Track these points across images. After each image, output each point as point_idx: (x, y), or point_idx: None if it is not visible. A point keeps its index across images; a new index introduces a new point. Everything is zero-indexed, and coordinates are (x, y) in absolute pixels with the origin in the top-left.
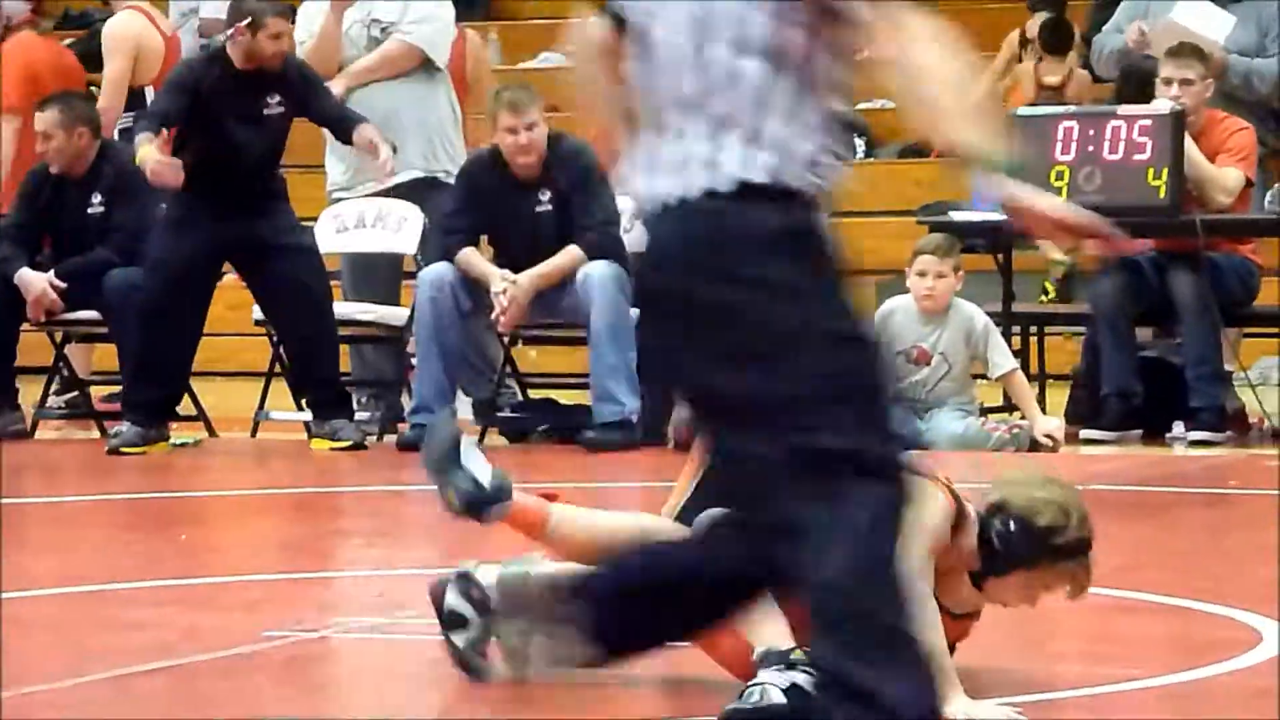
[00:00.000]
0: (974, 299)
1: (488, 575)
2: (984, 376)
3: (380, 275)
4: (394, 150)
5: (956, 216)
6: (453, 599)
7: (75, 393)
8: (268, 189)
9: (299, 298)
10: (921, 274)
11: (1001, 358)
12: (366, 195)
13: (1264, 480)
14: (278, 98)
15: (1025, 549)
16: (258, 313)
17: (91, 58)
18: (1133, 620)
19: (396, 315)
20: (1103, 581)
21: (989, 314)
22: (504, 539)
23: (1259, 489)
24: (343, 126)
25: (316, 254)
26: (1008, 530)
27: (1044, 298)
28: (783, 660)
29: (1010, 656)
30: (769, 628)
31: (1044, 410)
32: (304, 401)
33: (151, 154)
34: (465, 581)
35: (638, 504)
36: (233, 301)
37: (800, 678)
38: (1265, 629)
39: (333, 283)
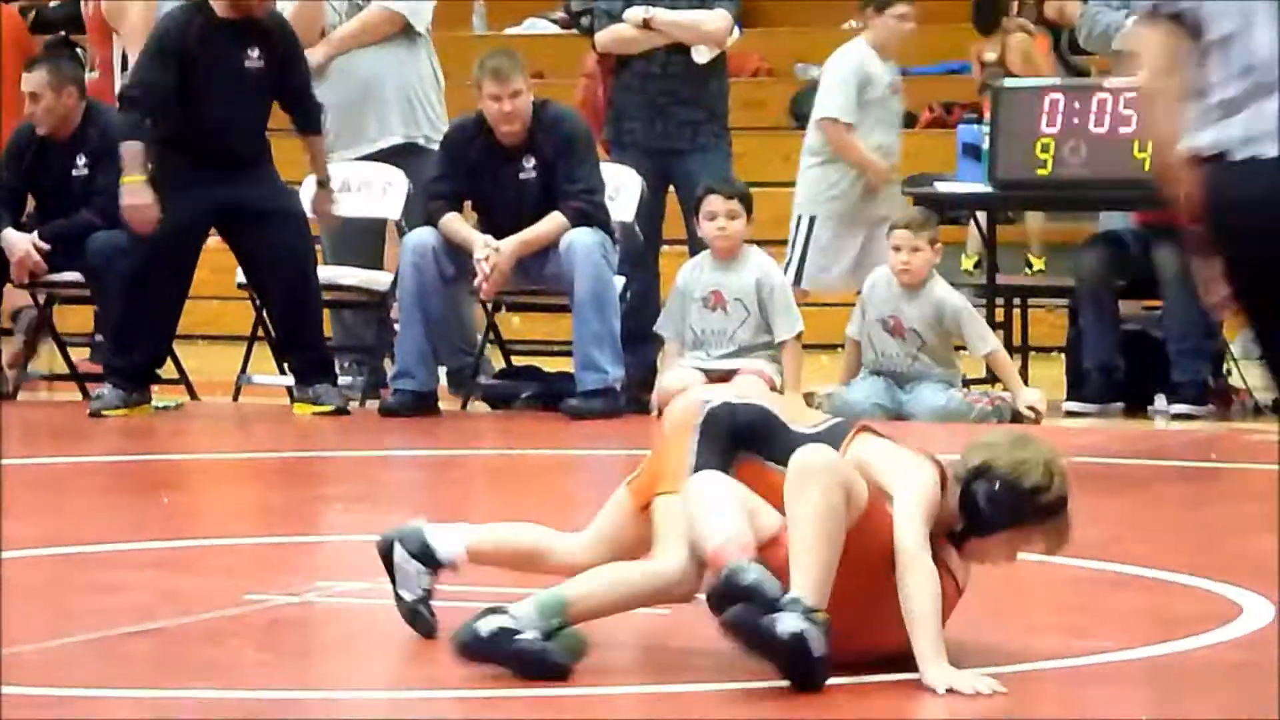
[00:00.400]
0: (955, 270)
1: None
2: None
3: (361, 240)
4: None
5: (941, 188)
6: (400, 556)
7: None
8: (253, 151)
9: (285, 264)
10: (897, 248)
11: (979, 341)
12: (349, 160)
13: (1245, 454)
14: (258, 51)
15: (1012, 510)
16: (241, 276)
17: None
18: (1112, 593)
19: (380, 280)
20: (1082, 554)
21: (972, 285)
22: (486, 505)
23: (1240, 463)
24: (303, 120)
25: (303, 219)
26: (994, 492)
27: (1028, 270)
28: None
29: (988, 628)
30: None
31: (1026, 383)
32: (286, 366)
33: (132, 188)
34: (417, 540)
35: (620, 471)
36: (216, 265)
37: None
38: (1245, 602)
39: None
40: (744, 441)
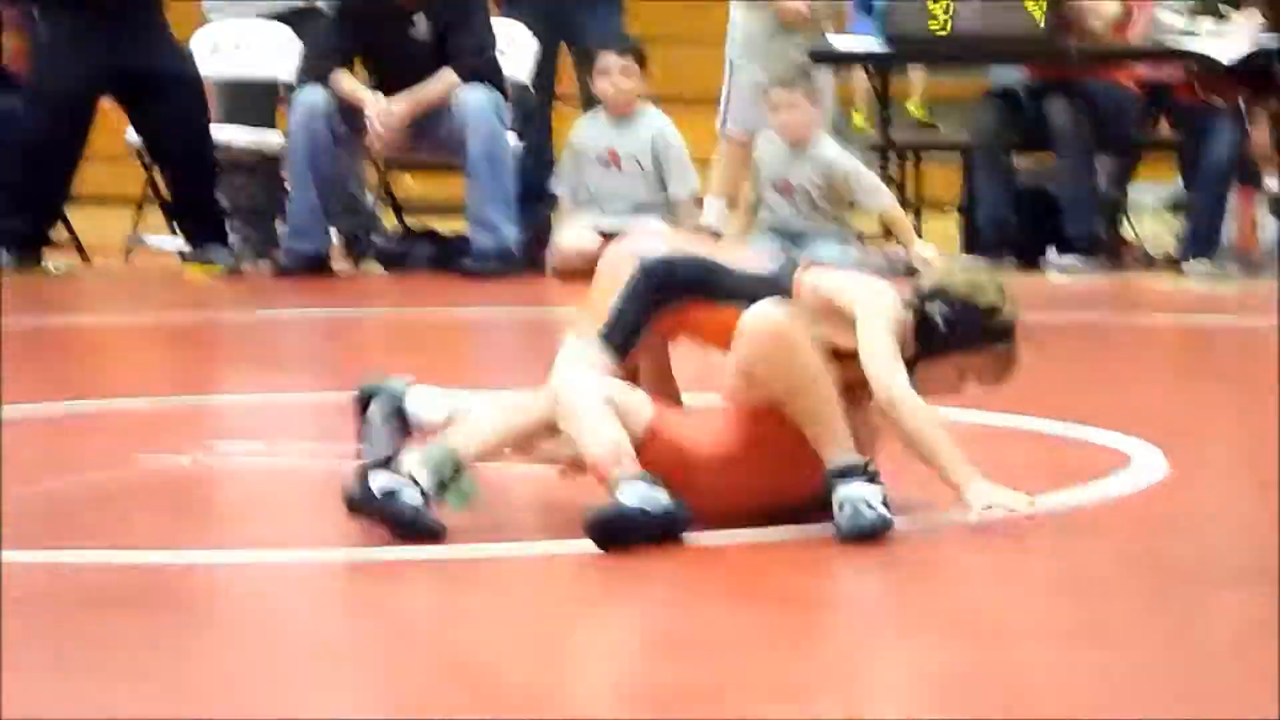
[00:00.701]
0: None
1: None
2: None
3: (255, 101)
4: None
5: (835, 43)
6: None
7: None
8: (144, 6)
9: (182, 131)
10: (775, 108)
11: (870, 198)
12: (245, 18)
13: (1136, 306)
14: None
15: (968, 328)
16: (131, 136)
17: None
18: (1005, 445)
19: (271, 141)
20: (974, 406)
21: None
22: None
23: (1131, 315)
24: None
25: (198, 82)
26: (951, 310)
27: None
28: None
29: (887, 484)
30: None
31: (920, 236)
32: (178, 228)
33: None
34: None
35: (517, 330)
36: (106, 126)
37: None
38: (1133, 451)
39: None
40: (685, 292)
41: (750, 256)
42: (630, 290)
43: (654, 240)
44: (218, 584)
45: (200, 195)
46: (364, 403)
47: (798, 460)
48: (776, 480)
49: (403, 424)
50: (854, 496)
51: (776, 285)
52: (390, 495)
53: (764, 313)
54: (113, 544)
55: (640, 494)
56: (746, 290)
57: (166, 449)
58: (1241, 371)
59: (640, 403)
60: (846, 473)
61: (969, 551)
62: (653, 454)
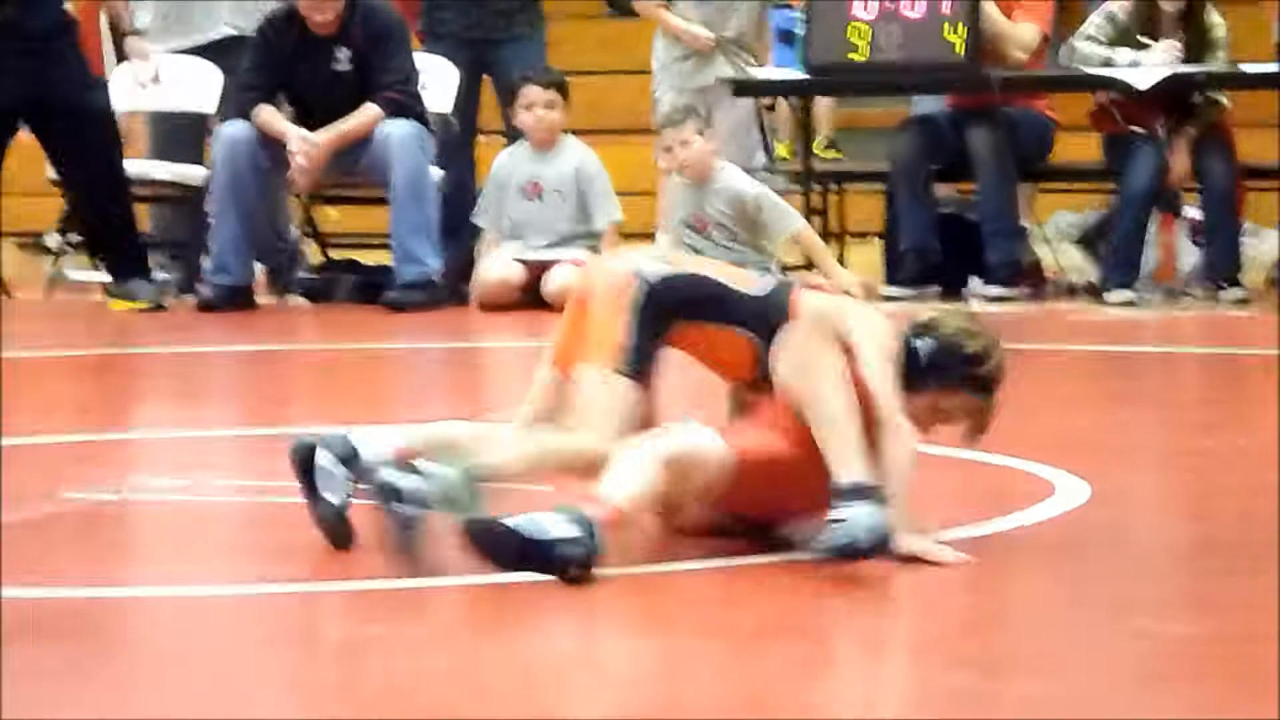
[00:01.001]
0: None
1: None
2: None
3: (183, 135)
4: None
5: (756, 73)
6: (325, 459)
7: None
8: (53, 28)
9: (87, 158)
10: (668, 149)
11: (780, 223)
12: (175, 51)
13: (1058, 334)
14: None
15: (945, 368)
16: (50, 170)
17: None
18: (929, 473)
19: (194, 174)
20: None
21: (789, 171)
22: (307, 399)
23: (1053, 343)
24: None
25: (106, 110)
26: (933, 347)
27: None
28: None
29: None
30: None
31: (843, 265)
32: (101, 261)
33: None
34: (341, 444)
35: (441, 363)
36: (25, 158)
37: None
38: (1057, 480)
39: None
40: (685, 314)
41: (745, 277)
42: (638, 315)
43: (654, 259)
44: (143, 618)
45: (118, 229)
46: (303, 456)
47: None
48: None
49: (356, 468)
50: (848, 516)
51: (773, 306)
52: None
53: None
54: (39, 578)
55: (546, 526)
56: (745, 311)
57: (91, 484)
58: (1163, 398)
59: (711, 438)
60: (850, 492)
61: (893, 571)
62: (750, 475)
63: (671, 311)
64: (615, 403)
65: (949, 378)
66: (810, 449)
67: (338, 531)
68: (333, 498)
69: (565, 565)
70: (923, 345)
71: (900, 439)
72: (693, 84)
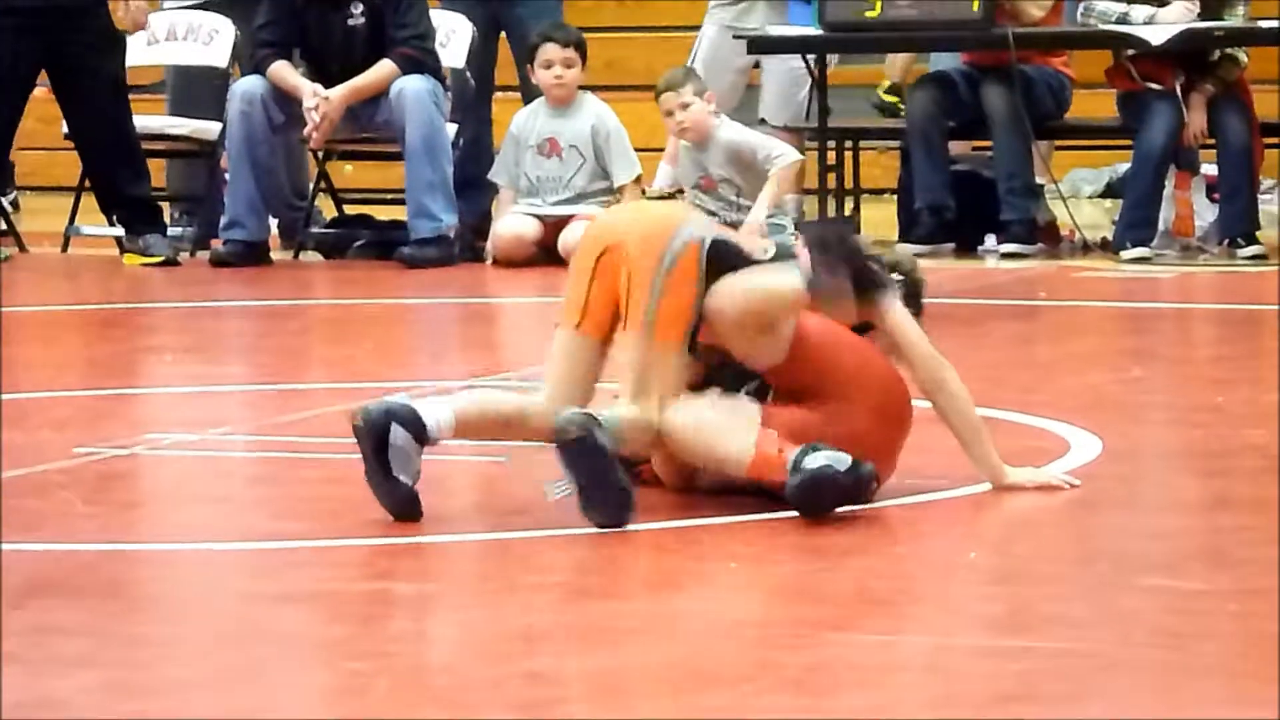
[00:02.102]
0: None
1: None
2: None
3: (203, 90)
4: None
5: (772, 30)
6: (399, 436)
7: None
8: None
9: (96, 117)
10: (669, 113)
11: (779, 162)
12: (185, 7)
13: (1073, 291)
14: None
15: (845, 253)
16: (67, 126)
17: None
18: (944, 431)
19: (209, 130)
20: (913, 393)
21: (804, 128)
22: (322, 354)
23: (1068, 300)
24: None
25: (117, 71)
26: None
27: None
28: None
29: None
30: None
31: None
32: (115, 217)
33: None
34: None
35: (454, 320)
36: (43, 115)
37: None
38: (1072, 437)
39: (152, 97)
40: (724, 273)
41: (755, 242)
42: (703, 286)
43: (697, 220)
44: (158, 573)
45: (128, 185)
46: (377, 433)
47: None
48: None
49: (422, 438)
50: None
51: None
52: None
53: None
54: (53, 535)
55: (823, 457)
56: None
57: (104, 440)
58: (1178, 355)
59: (742, 399)
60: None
61: (904, 528)
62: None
63: (715, 275)
64: (681, 378)
65: (915, 307)
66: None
67: (410, 513)
68: (405, 479)
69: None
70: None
71: (958, 381)
72: (739, 24)
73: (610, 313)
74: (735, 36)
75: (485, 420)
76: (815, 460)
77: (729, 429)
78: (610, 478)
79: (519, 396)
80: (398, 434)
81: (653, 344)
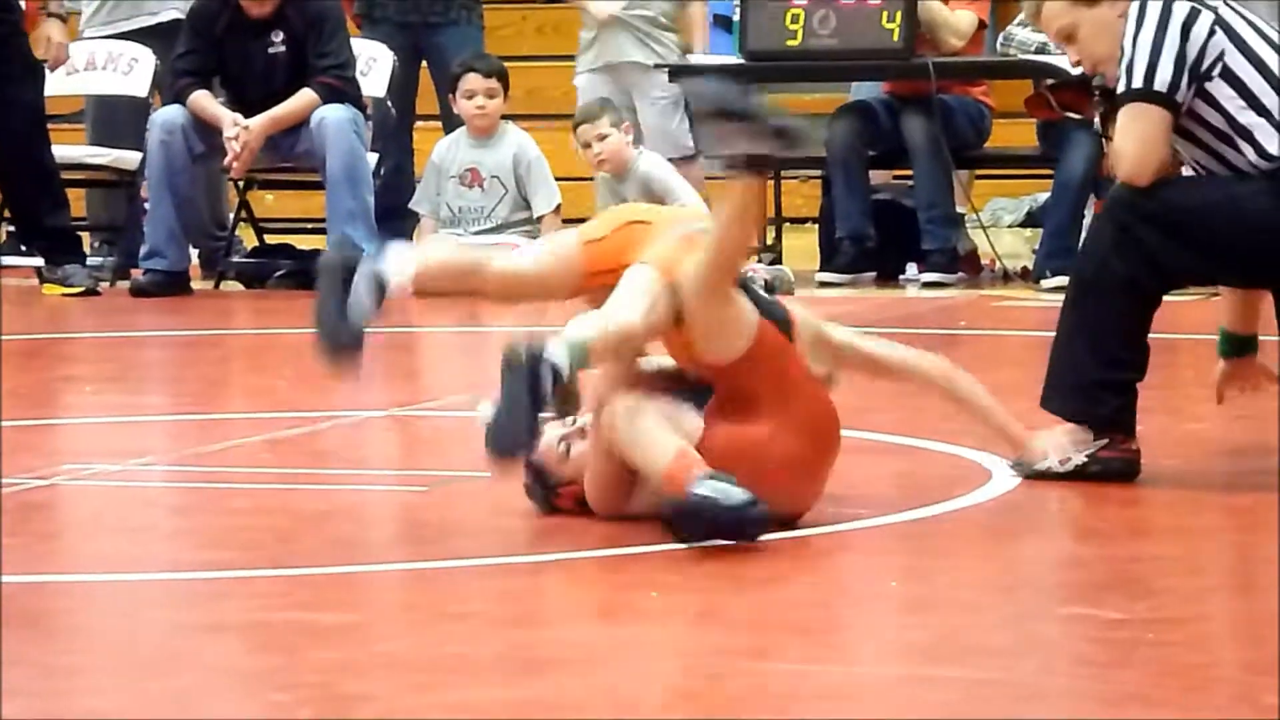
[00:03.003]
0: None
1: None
2: None
3: (125, 119)
4: None
5: (692, 60)
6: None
7: None
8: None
9: (13, 146)
10: (586, 145)
11: (687, 201)
12: (105, 36)
13: (993, 320)
14: None
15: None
16: None
17: None
18: (865, 460)
19: (129, 159)
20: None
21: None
22: (242, 383)
23: (989, 329)
24: None
25: (34, 101)
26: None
27: None
28: None
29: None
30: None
31: (781, 258)
32: (34, 247)
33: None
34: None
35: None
36: None
37: None
38: (993, 466)
39: (71, 126)
40: None
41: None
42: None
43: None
44: (78, 604)
45: (45, 215)
46: (344, 269)
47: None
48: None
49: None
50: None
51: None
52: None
53: None
54: None
55: (712, 487)
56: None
57: (23, 471)
58: None
59: (689, 416)
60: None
61: (826, 557)
62: (716, 451)
63: None
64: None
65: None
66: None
67: (349, 359)
68: (355, 324)
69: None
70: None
71: (963, 378)
72: (600, 62)
73: (614, 266)
74: (656, 67)
75: (447, 272)
76: (703, 487)
77: (660, 433)
78: (522, 405)
79: (479, 251)
80: (361, 279)
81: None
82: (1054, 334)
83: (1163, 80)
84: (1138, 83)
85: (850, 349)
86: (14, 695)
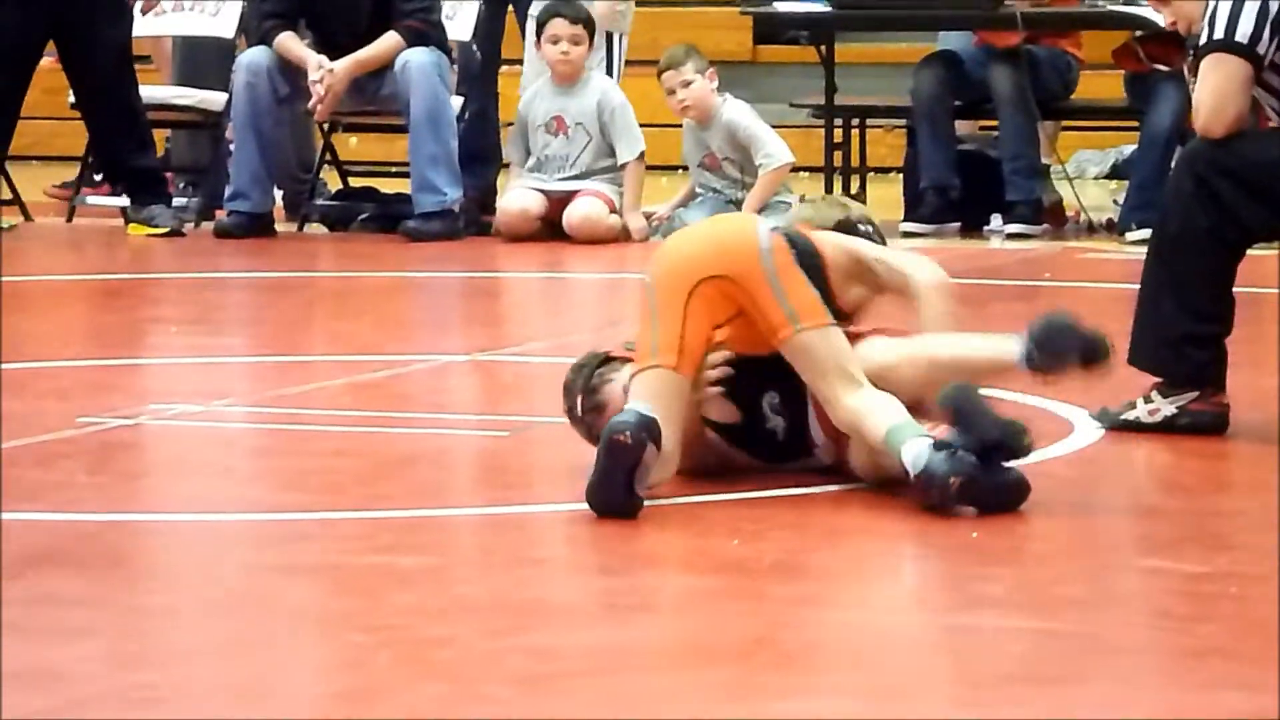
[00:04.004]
0: (798, 92)
1: None
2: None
3: (211, 60)
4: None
5: (780, 8)
6: None
7: None
8: None
9: (101, 88)
10: (671, 91)
11: (769, 161)
12: None
13: (1077, 273)
14: None
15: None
16: (73, 96)
17: None
18: None
19: (215, 101)
20: None
21: (810, 106)
22: (324, 328)
23: (1073, 281)
24: None
25: (122, 42)
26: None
27: None
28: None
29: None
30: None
31: (865, 201)
32: (120, 188)
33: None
34: None
35: (458, 292)
36: (48, 85)
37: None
38: (1076, 419)
39: (150, 67)
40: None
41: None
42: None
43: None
44: (160, 543)
45: (131, 156)
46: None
47: None
48: None
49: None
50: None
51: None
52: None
53: None
54: (55, 505)
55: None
56: None
57: (107, 410)
58: None
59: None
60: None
61: (907, 505)
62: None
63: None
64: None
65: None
66: None
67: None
68: (638, 499)
69: None
70: (865, 231)
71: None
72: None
73: (704, 348)
74: (742, 13)
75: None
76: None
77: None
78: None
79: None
80: (651, 453)
81: (815, 333)
82: (1138, 288)
83: (1244, 32)
84: (1219, 34)
85: (880, 265)
86: (99, 633)
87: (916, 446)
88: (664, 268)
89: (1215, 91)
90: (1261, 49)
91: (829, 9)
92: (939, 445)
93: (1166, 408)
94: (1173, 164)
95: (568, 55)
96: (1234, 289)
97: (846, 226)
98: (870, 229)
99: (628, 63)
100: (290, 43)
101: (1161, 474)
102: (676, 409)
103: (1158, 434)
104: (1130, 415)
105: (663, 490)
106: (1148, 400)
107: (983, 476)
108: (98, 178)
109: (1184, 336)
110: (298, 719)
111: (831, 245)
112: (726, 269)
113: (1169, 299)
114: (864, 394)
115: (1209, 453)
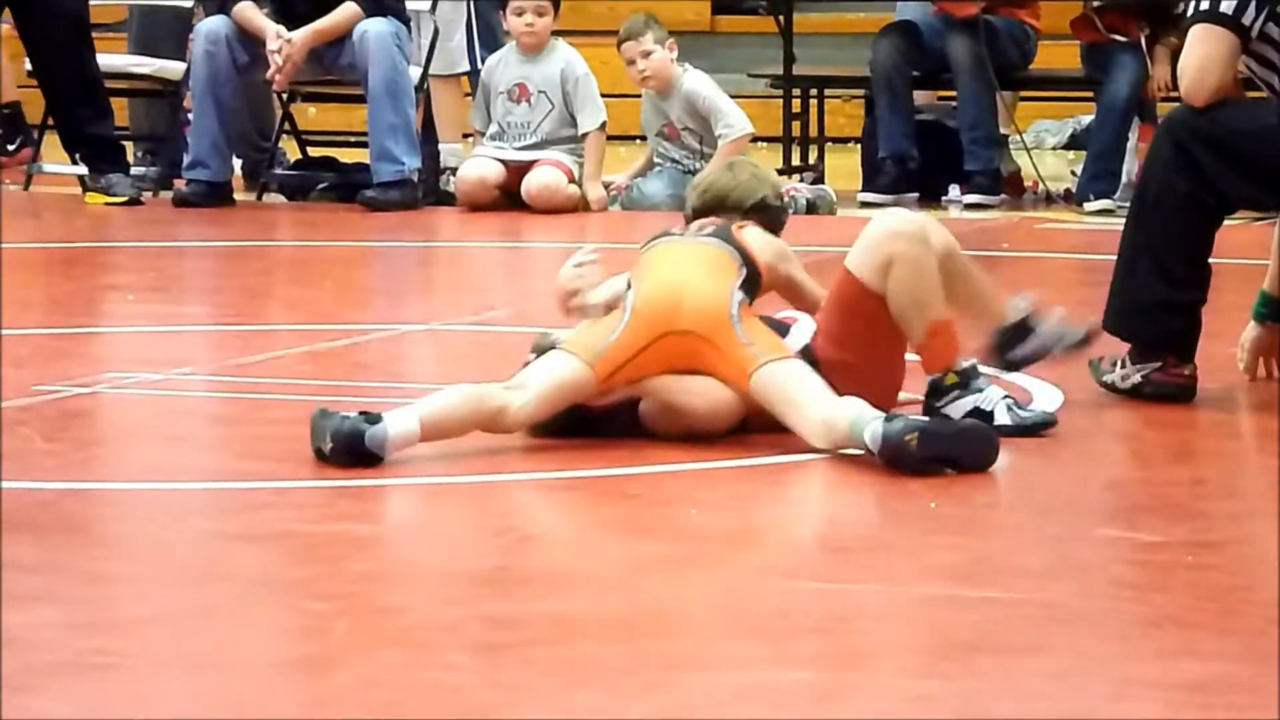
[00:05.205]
0: (756, 62)
1: None
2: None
3: (169, 29)
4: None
5: None
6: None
7: None
8: None
9: (57, 55)
10: (630, 61)
11: (729, 131)
12: None
13: (1035, 243)
14: None
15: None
16: (30, 64)
17: None
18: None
19: (173, 69)
20: None
21: (769, 76)
22: (283, 295)
23: (1031, 251)
24: None
25: (77, 9)
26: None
27: None
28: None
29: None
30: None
31: (824, 178)
32: (78, 155)
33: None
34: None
35: (416, 261)
36: (7, 52)
37: None
38: (1033, 388)
39: (115, 35)
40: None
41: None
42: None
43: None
44: (118, 512)
45: (89, 123)
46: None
47: None
48: None
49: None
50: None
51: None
52: None
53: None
54: (12, 473)
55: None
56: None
57: (64, 378)
58: None
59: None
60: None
61: (873, 471)
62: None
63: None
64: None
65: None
66: None
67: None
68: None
69: None
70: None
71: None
72: None
73: (637, 378)
74: None
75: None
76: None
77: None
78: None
79: (500, 393)
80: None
81: (778, 364)
82: (1116, 254)
83: (1230, 3)
84: (1205, 3)
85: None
86: (55, 600)
87: (872, 427)
88: (646, 305)
89: (1199, 60)
90: (1247, 20)
91: None
92: (890, 418)
93: (1134, 375)
94: (1129, 134)
95: (532, 26)
96: (1210, 257)
97: (766, 205)
98: (780, 203)
99: (587, 32)
100: (249, 12)
101: (1121, 443)
102: (570, 397)
103: (1120, 402)
104: (1109, 377)
105: (621, 459)
106: (1122, 365)
107: (939, 426)
108: (11, 147)
109: (1159, 303)
110: (255, 686)
111: (767, 266)
112: (695, 325)
113: (1145, 263)
114: (826, 406)
115: (1170, 422)
